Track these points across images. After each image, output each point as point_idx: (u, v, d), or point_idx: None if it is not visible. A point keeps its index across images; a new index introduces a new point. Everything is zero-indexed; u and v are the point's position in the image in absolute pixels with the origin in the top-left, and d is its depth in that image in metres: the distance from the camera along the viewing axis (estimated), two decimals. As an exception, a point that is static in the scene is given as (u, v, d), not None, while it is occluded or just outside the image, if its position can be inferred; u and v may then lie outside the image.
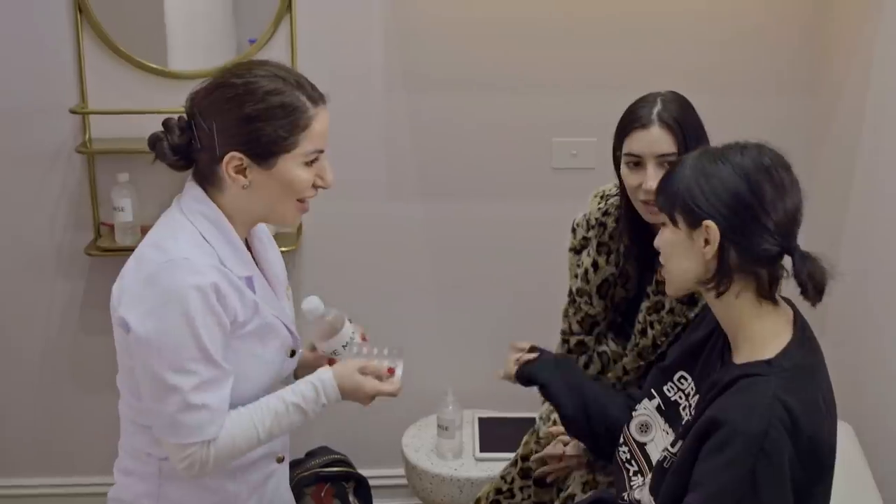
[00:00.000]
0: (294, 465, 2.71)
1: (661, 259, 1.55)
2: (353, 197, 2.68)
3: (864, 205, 2.38)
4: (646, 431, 1.65)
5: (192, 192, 1.61)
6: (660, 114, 1.75)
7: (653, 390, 1.67)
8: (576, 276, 1.98)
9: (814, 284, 1.44)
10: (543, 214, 2.63)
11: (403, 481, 2.73)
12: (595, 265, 1.94)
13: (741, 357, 1.48)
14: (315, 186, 1.62)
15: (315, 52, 2.57)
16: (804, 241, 2.93)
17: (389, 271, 2.77)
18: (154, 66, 2.52)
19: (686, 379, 1.62)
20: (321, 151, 1.60)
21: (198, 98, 1.59)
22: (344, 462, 2.74)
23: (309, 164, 1.59)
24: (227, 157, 1.55)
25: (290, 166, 1.57)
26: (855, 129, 2.42)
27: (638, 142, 1.77)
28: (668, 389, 1.64)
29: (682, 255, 1.49)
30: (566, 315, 2.01)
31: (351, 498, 2.68)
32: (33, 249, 2.69)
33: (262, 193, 1.59)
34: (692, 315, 1.82)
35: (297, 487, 2.64)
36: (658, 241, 1.55)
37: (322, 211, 2.65)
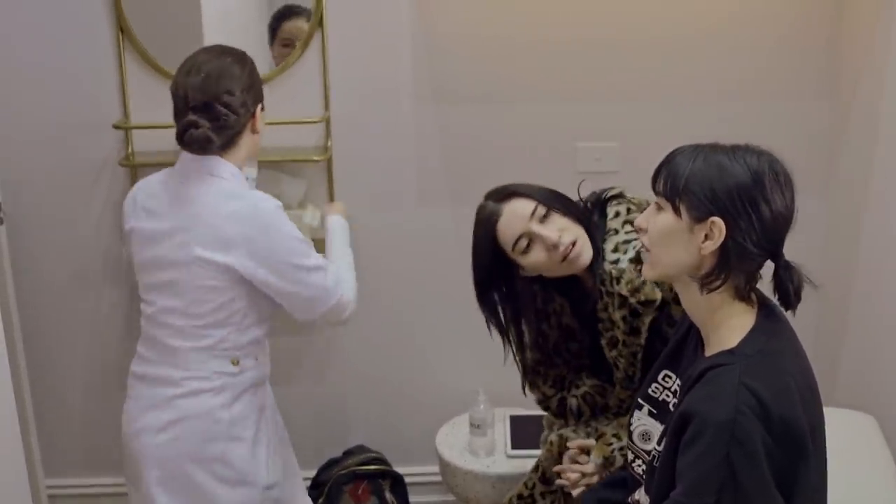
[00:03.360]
0: (332, 463, 2.78)
1: (648, 242, 1.50)
2: (385, 205, 2.73)
3: (884, 200, 2.38)
4: (648, 439, 1.65)
5: (216, 163, 2.04)
6: (502, 195, 1.89)
7: (639, 399, 1.67)
8: (528, 350, 2.01)
9: (794, 292, 1.44)
10: (570, 217, 2.69)
11: (438, 478, 2.75)
12: (542, 334, 1.98)
13: (710, 349, 1.48)
14: None
15: (346, 67, 2.61)
16: (822, 237, 2.94)
17: (421, 276, 2.79)
18: (193, 81, 2.58)
19: (670, 377, 1.62)
20: None
21: (209, 85, 1.99)
22: (380, 460, 2.78)
23: None
24: (257, 111, 2.07)
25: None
26: (872, 131, 2.42)
27: (508, 227, 1.84)
28: (653, 391, 1.64)
29: (678, 244, 1.45)
30: (534, 387, 2.04)
31: (387, 494, 2.71)
32: (81, 258, 2.74)
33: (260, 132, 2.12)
34: (641, 341, 1.81)
35: (336, 485, 2.69)
36: (649, 224, 1.49)
37: (355, 219, 2.73)
